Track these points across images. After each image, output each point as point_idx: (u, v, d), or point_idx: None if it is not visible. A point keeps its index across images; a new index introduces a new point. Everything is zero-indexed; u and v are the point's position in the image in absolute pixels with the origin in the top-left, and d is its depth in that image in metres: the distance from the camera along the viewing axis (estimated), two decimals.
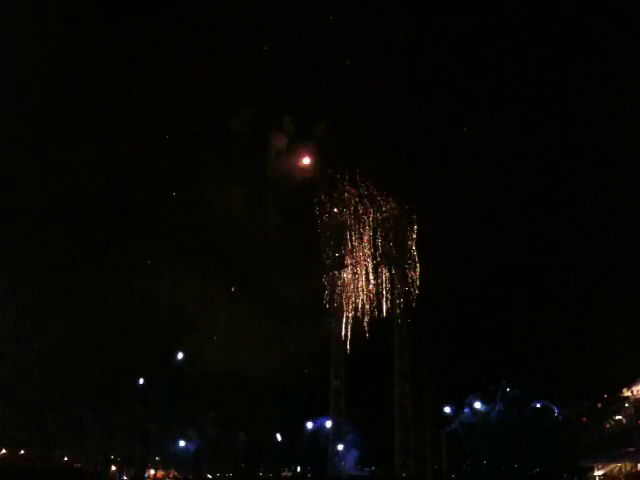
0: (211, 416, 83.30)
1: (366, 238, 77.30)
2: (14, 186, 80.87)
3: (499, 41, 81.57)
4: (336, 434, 77.06)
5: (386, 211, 76.14)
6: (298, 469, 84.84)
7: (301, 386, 78.42)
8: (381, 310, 76.62)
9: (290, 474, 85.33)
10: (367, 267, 77.40)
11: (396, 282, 75.87)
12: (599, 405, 70.27)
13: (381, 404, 78.32)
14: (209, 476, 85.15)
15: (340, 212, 77.71)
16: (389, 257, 76.25)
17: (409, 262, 77.11)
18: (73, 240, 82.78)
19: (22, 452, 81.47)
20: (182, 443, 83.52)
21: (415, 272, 76.83)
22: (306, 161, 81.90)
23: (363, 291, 77.01)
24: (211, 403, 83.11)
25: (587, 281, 75.79)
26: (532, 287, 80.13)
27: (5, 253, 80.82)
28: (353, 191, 77.75)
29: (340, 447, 77.27)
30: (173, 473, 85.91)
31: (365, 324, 76.52)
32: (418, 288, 76.81)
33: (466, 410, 76.70)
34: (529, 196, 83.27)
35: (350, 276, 77.22)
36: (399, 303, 76.16)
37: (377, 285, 77.06)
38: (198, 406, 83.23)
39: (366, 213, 77.27)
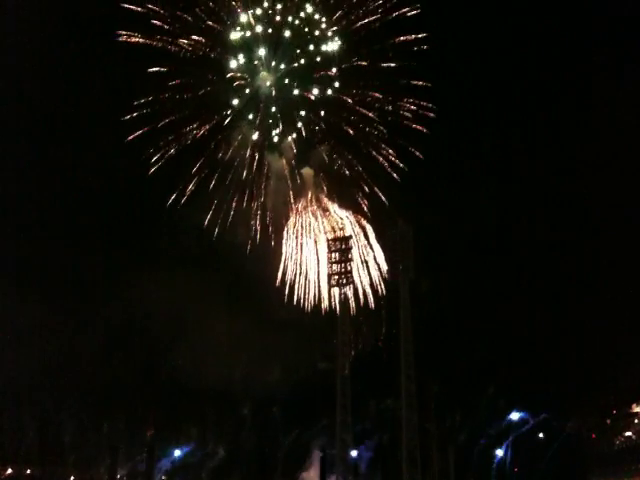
0: (193, 431, 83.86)
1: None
2: (16, 195, 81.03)
3: (497, 41, 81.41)
4: (343, 450, 76.28)
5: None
6: None
7: (305, 401, 78.62)
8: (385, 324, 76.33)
9: None
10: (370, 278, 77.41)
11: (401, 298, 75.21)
12: (608, 421, 69.95)
13: (388, 420, 78.18)
14: None
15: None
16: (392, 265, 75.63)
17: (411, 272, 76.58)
18: (73, 251, 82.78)
19: (28, 471, 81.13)
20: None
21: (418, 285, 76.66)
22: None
23: (367, 306, 76.86)
24: (197, 418, 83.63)
25: (594, 296, 75.26)
26: (539, 301, 79.62)
27: (5, 262, 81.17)
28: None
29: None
30: None
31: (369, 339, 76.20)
32: (422, 302, 76.61)
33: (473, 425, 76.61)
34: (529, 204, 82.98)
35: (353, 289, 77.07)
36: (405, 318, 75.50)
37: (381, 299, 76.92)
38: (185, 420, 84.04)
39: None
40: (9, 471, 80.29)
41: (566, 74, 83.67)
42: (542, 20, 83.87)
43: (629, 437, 66.88)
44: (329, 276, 75.41)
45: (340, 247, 75.93)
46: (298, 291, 79.89)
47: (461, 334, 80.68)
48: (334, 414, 75.31)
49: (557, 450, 72.57)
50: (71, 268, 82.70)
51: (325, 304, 79.65)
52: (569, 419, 73.63)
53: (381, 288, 78.76)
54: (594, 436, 70.99)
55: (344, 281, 76.07)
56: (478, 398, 77.71)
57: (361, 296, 79.58)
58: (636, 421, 66.05)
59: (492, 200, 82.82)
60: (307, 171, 76.08)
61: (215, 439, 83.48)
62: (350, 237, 76.67)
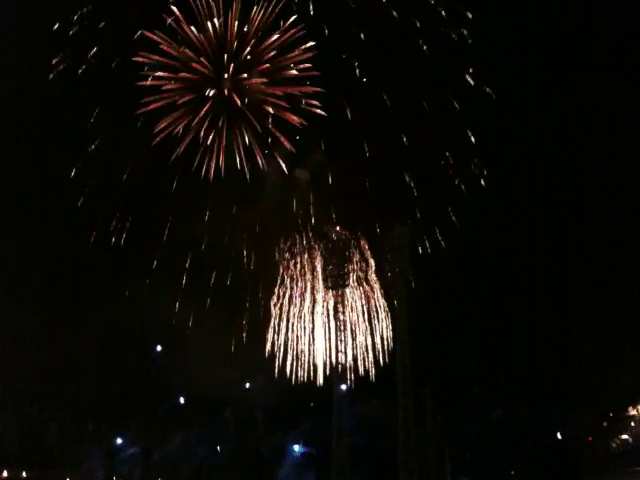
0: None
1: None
2: (15, 206, 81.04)
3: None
4: (339, 453, 76.25)
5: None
6: None
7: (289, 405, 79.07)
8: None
9: None
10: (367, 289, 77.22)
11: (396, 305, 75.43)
12: (605, 423, 69.89)
13: (384, 425, 78.24)
14: None
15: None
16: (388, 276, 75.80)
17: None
18: (72, 261, 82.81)
19: (24, 474, 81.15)
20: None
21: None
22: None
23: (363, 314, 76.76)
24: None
25: (590, 300, 75.14)
26: (536, 304, 79.53)
27: (6, 270, 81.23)
28: None
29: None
30: None
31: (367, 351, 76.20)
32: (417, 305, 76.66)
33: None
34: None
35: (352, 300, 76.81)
36: (402, 321, 75.61)
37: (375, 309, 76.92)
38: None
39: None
40: (5, 474, 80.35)
41: None
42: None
43: (625, 440, 66.85)
44: (325, 278, 75.64)
45: (338, 249, 76.26)
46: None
47: (457, 335, 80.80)
48: (318, 416, 75.96)
49: (553, 452, 72.54)
50: (65, 273, 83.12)
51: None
52: (565, 421, 73.71)
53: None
54: (590, 438, 71.02)
55: (341, 283, 76.50)
56: (472, 400, 77.88)
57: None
58: (632, 424, 66.08)
59: (490, 200, 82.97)
60: (302, 174, 75.28)
61: (197, 440, 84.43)
62: (349, 240, 76.69)
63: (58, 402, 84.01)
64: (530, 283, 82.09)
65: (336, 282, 76.31)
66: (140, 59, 71.70)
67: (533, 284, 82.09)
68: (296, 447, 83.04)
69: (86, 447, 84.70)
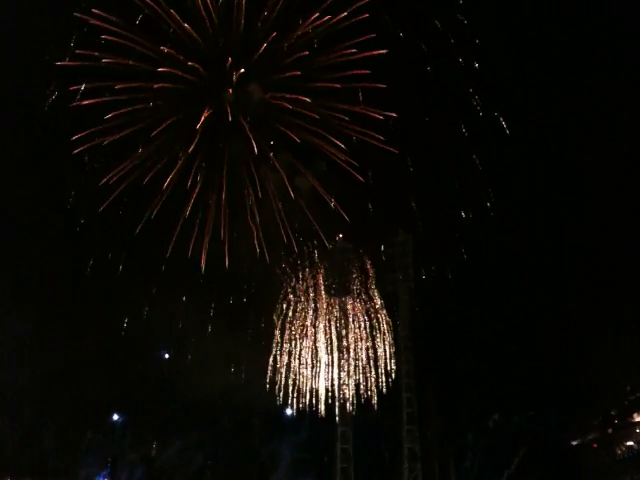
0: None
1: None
2: (15, 211, 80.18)
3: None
4: (343, 461, 76.11)
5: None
6: None
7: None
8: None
9: None
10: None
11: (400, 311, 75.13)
12: (609, 430, 69.98)
13: (384, 427, 78.33)
14: None
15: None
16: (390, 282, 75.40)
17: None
18: (73, 265, 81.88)
19: None
20: None
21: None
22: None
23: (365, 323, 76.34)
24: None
25: (592, 304, 75.01)
26: (538, 306, 79.28)
27: (5, 276, 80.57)
28: None
29: None
30: None
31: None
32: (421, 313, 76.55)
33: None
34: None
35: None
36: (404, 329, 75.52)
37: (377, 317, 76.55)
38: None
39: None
40: None
41: None
42: None
43: (631, 447, 66.98)
44: (328, 287, 75.01)
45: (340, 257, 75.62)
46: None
47: (458, 337, 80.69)
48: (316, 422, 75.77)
49: (557, 458, 72.65)
50: (77, 281, 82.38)
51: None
52: (570, 428, 73.75)
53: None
54: (595, 445, 71.15)
55: (344, 290, 75.91)
56: (474, 404, 77.97)
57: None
58: (638, 430, 66.19)
59: (491, 201, 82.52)
60: (304, 182, 73.54)
61: (195, 447, 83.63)
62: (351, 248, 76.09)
63: (57, 407, 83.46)
64: (532, 285, 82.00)
65: (338, 290, 75.85)
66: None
67: (535, 286, 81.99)
68: (288, 411, 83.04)
69: (84, 453, 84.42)
